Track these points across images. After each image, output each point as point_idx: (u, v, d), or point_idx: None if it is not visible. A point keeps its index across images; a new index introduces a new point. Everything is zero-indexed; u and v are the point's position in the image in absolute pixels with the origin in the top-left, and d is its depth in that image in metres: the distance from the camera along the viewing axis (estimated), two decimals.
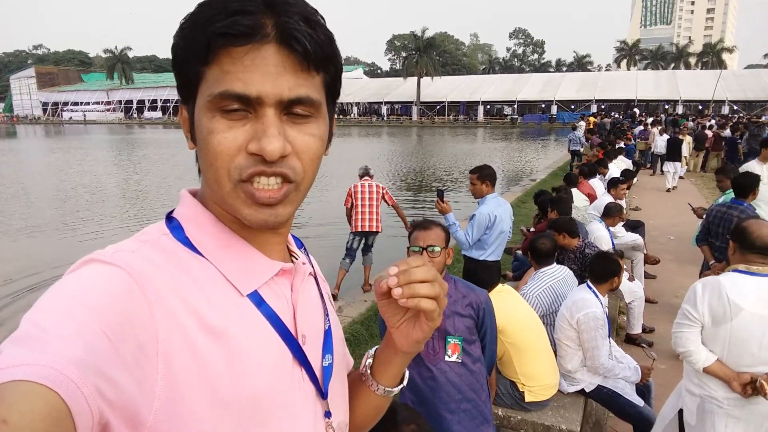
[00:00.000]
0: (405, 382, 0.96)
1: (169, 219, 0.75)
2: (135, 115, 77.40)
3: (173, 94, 76.19)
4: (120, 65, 79.04)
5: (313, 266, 0.91)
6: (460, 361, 2.51)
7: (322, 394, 0.81)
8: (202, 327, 0.65)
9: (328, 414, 0.82)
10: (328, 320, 0.88)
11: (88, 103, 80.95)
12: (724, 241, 4.51)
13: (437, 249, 2.50)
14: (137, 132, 53.67)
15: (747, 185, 4.59)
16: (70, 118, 78.27)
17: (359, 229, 6.47)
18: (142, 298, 0.60)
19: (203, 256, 0.71)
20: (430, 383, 2.51)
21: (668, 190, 13.42)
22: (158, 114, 76.66)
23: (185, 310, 0.64)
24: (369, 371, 0.92)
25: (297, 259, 0.86)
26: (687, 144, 14.88)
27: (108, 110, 78.89)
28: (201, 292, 0.67)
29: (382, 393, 0.92)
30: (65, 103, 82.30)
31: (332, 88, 0.72)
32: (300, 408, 0.76)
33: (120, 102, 79.26)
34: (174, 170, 20.91)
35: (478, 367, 2.56)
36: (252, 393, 0.67)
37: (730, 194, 5.34)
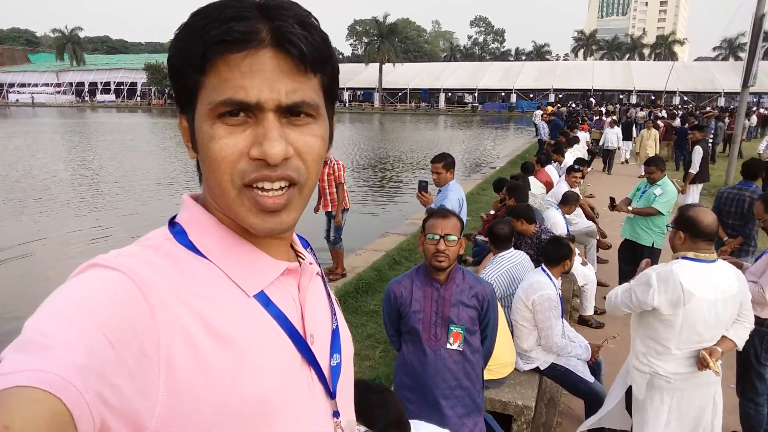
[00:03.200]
0: None
1: (172, 224, 0.74)
2: (87, 98, 74.44)
3: (127, 77, 73.55)
4: (70, 46, 75.64)
5: (319, 266, 0.92)
6: (461, 349, 2.55)
7: (331, 393, 0.81)
8: (207, 330, 0.64)
9: (336, 414, 0.82)
10: (336, 319, 0.88)
11: (36, 85, 77.07)
12: (737, 219, 5.34)
13: (454, 238, 2.50)
14: (92, 116, 51.55)
15: (755, 170, 5.48)
16: (17, 100, 74.48)
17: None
18: (144, 303, 0.60)
19: (207, 259, 0.70)
20: (428, 368, 2.55)
21: (622, 163, 16.84)
22: (111, 97, 73.83)
23: (189, 313, 0.64)
24: None
25: (303, 259, 0.85)
26: (653, 139, 14.41)
27: (58, 92, 75.46)
28: (206, 295, 0.67)
29: None
30: (11, 85, 78.15)
31: (330, 89, 0.73)
32: (309, 408, 0.76)
33: (71, 84, 75.80)
34: (146, 157, 20.39)
35: (476, 357, 2.61)
36: (259, 395, 0.67)
37: (666, 185, 5.62)
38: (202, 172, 0.71)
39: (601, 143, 16.22)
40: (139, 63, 72.42)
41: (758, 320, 2.92)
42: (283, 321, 0.73)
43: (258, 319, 0.71)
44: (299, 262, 0.83)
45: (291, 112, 0.67)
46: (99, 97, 74.18)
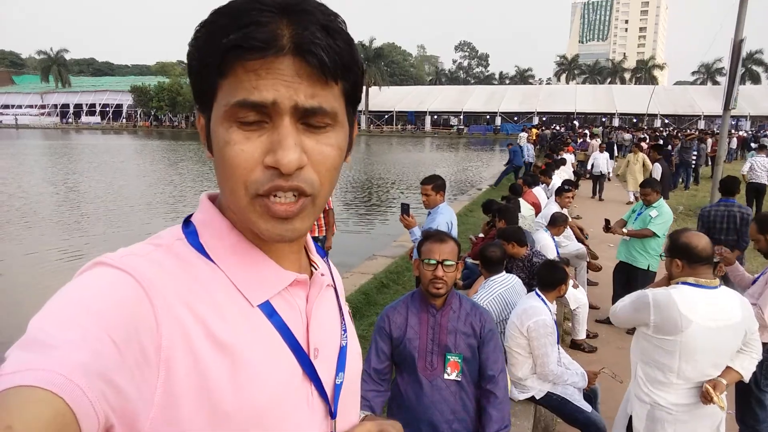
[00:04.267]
0: None
1: (186, 224, 0.74)
2: (72, 120, 73.92)
3: (113, 99, 73.40)
4: (56, 68, 75.31)
5: (333, 278, 0.89)
6: (459, 379, 2.44)
7: (332, 413, 0.78)
8: (208, 336, 0.64)
9: None
10: (345, 336, 0.86)
11: (20, 106, 76.58)
12: (731, 234, 5.47)
13: (452, 263, 2.41)
14: (78, 138, 50.77)
15: (732, 186, 5.80)
16: (0, 121, 73.83)
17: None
18: (147, 304, 0.60)
19: (216, 264, 0.69)
20: (424, 400, 2.42)
21: (608, 179, 15.70)
22: (97, 119, 73.51)
23: (192, 317, 0.63)
24: None
25: (317, 268, 0.84)
26: (642, 163, 12.92)
27: (42, 114, 74.99)
28: (210, 301, 0.66)
29: None
30: None
31: (352, 95, 0.70)
32: (306, 426, 0.74)
33: (56, 106, 75.37)
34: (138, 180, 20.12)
35: (473, 388, 2.49)
36: (255, 407, 0.66)
37: (662, 207, 5.60)
38: (217, 175, 0.69)
39: (589, 167, 15.31)
40: (125, 85, 72.53)
41: None
42: (285, 333, 0.72)
43: (260, 329, 0.70)
44: (311, 271, 0.82)
45: (308, 119, 0.65)
46: (84, 118, 73.95)
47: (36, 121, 72.36)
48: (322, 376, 0.76)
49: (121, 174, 21.65)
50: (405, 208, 4.56)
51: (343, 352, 0.84)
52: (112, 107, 73.71)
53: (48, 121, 73.38)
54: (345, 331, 0.86)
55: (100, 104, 74.11)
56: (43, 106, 76.28)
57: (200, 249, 0.70)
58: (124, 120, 73.22)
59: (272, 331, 0.71)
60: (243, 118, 0.62)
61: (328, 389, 0.78)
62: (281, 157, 0.61)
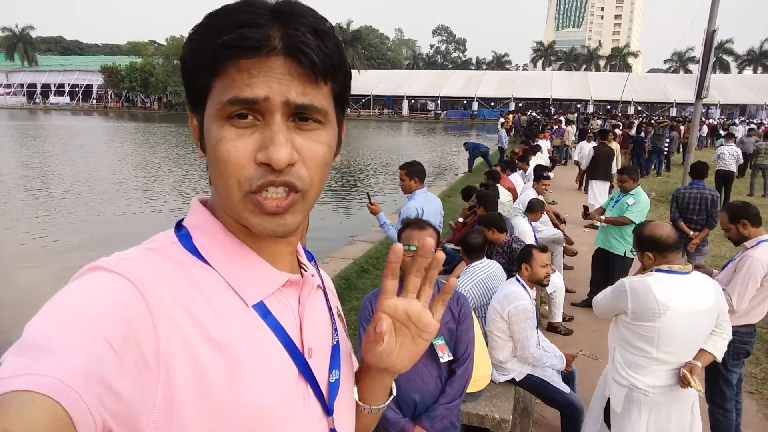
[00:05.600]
0: (393, 394, 0.95)
1: (179, 227, 0.75)
2: (39, 100, 71.77)
3: (82, 79, 71.34)
4: (21, 45, 72.81)
5: (322, 280, 0.90)
6: (451, 358, 2.50)
7: (328, 411, 0.79)
8: (205, 338, 0.64)
9: None
10: (337, 335, 0.87)
11: None
12: (701, 214, 5.97)
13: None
14: (47, 119, 49.18)
15: (702, 171, 6.27)
16: None
17: None
18: (144, 308, 0.60)
19: (210, 265, 0.70)
20: (405, 385, 2.47)
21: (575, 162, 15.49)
22: (66, 99, 71.48)
23: (189, 320, 0.64)
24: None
25: (306, 271, 0.85)
26: (616, 151, 11.65)
27: (8, 94, 72.60)
28: (206, 302, 0.67)
29: (369, 412, 0.91)
30: None
31: (341, 96, 0.72)
32: (304, 424, 0.75)
33: (22, 85, 73.03)
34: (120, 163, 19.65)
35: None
36: (253, 406, 0.66)
37: (639, 195, 5.74)
38: (210, 173, 0.70)
39: (576, 157, 14.38)
40: (95, 65, 70.57)
41: None
42: (280, 332, 0.73)
43: (255, 329, 0.70)
44: (302, 273, 0.83)
45: (299, 117, 0.66)
46: (52, 99, 71.80)
47: (1, 101, 70.10)
48: (316, 375, 0.78)
49: (101, 158, 21.15)
50: (368, 196, 4.78)
51: (336, 349, 0.85)
52: (81, 87, 71.75)
53: (14, 101, 71.08)
54: (336, 330, 0.87)
55: (69, 84, 71.97)
56: (8, 86, 73.78)
57: (194, 251, 0.71)
58: (95, 101, 71.42)
59: (267, 331, 0.71)
60: (235, 116, 0.64)
61: (323, 388, 0.79)
62: (272, 153, 0.63)
